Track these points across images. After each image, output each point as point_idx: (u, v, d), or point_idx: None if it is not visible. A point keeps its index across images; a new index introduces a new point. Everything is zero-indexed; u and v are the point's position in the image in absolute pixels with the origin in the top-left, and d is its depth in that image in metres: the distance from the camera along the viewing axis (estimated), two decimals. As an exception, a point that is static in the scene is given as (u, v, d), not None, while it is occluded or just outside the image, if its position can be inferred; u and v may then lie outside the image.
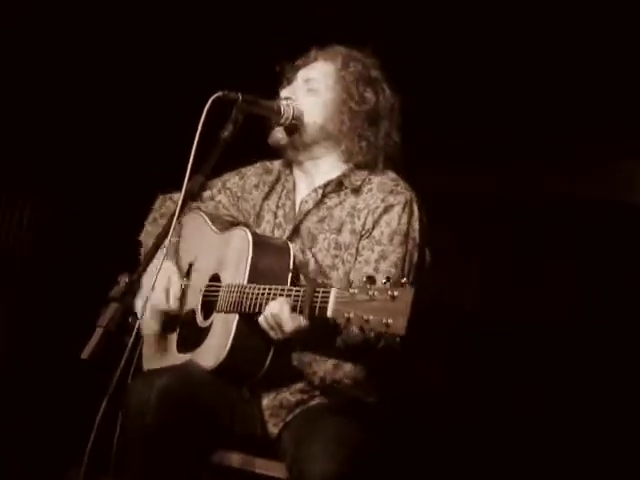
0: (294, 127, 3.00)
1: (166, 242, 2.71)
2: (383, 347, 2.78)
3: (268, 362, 2.81)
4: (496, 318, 4.29)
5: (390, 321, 2.35)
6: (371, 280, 2.42)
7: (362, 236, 2.93)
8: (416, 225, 2.94)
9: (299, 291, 2.63)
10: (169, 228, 2.70)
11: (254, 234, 2.90)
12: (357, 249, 2.91)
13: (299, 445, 2.72)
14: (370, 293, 2.39)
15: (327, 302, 2.47)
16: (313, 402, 2.92)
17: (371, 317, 2.37)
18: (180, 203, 2.71)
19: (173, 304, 3.02)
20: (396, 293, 2.36)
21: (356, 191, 2.98)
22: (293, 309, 2.62)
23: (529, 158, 4.31)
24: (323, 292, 2.52)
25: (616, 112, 4.06)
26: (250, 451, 2.90)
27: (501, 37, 4.12)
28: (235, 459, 2.90)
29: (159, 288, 2.98)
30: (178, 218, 2.72)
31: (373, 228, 2.91)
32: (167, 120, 4.24)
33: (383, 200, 2.93)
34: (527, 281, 4.32)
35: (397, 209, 2.92)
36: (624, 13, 3.95)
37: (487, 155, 4.33)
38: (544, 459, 4.12)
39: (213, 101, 2.75)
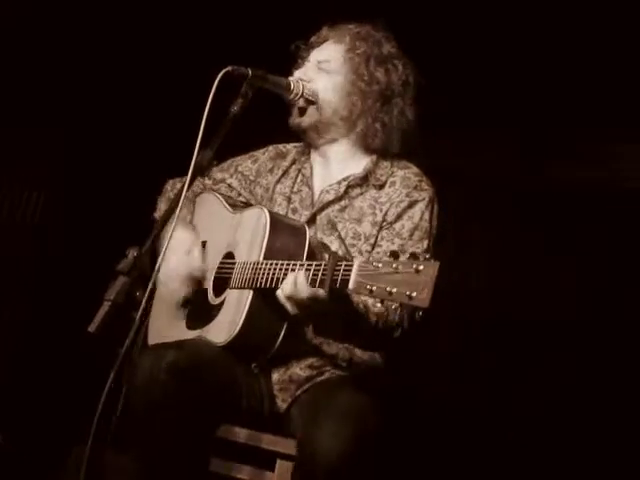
0: (309, 107, 3.01)
1: (175, 214, 2.71)
2: (403, 321, 2.73)
3: (280, 340, 2.80)
4: (499, 310, 4.27)
5: (414, 294, 2.32)
6: (395, 255, 2.40)
7: (382, 227, 2.94)
8: (435, 222, 2.97)
9: (319, 265, 2.60)
10: (178, 201, 2.69)
11: (271, 213, 2.90)
12: (376, 239, 2.93)
13: (309, 423, 2.70)
14: (394, 266, 2.36)
15: (349, 275, 2.45)
16: (323, 377, 2.91)
17: (395, 289, 2.34)
18: (189, 176, 2.71)
19: (196, 266, 3.00)
20: (421, 267, 2.33)
21: (380, 186, 3.00)
22: (313, 282, 2.59)
23: (531, 148, 4.32)
24: (346, 265, 2.49)
25: (617, 102, 4.06)
26: (257, 427, 2.90)
27: (514, 25, 4.12)
28: (242, 434, 2.90)
29: (181, 251, 2.99)
30: (187, 190, 2.71)
31: (395, 221, 2.93)
32: (176, 99, 4.24)
33: (408, 195, 2.95)
34: (530, 274, 4.30)
35: (421, 205, 2.94)
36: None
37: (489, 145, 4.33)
38: (547, 453, 4.10)
39: (223, 75, 2.74)
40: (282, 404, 2.90)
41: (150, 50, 4.49)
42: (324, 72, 3.04)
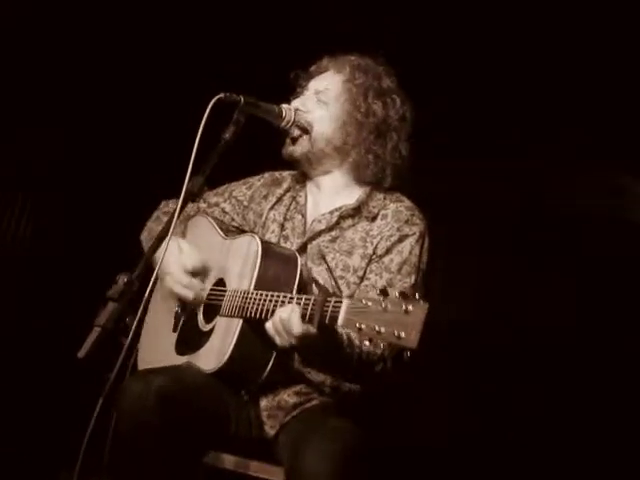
0: (302, 137, 3.02)
1: (166, 241, 2.71)
2: (391, 361, 2.80)
3: (268, 369, 2.82)
4: (491, 329, 4.26)
5: (403, 334, 2.33)
6: (385, 293, 2.40)
7: (371, 260, 2.94)
8: (425, 257, 2.98)
9: (309, 299, 2.61)
10: (170, 226, 2.70)
11: (263, 242, 2.91)
12: (365, 271, 2.93)
13: (297, 446, 2.71)
14: (383, 305, 2.37)
15: (338, 311, 2.45)
16: (310, 404, 2.92)
17: (383, 329, 2.35)
18: (180, 203, 2.71)
19: (195, 257, 3.01)
20: (410, 307, 2.34)
21: (372, 218, 3.00)
22: (302, 317, 2.60)
23: (529, 168, 4.30)
24: (335, 301, 2.49)
25: (618, 129, 4.04)
26: (245, 453, 2.90)
27: (511, 40, 4.09)
28: (230, 461, 2.91)
29: (175, 255, 2.98)
30: (178, 217, 2.72)
31: (385, 255, 2.93)
32: (170, 121, 4.22)
33: (399, 229, 2.96)
34: (526, 293, 4.28)
35: (411, 240, 2.94)
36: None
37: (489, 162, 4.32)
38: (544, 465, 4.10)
39: (215, 102, 2.75)
40: (270, 430, 2.91)
41: (143, 75, 4.48)
42: (322, 102, 3.05)
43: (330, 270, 2.92)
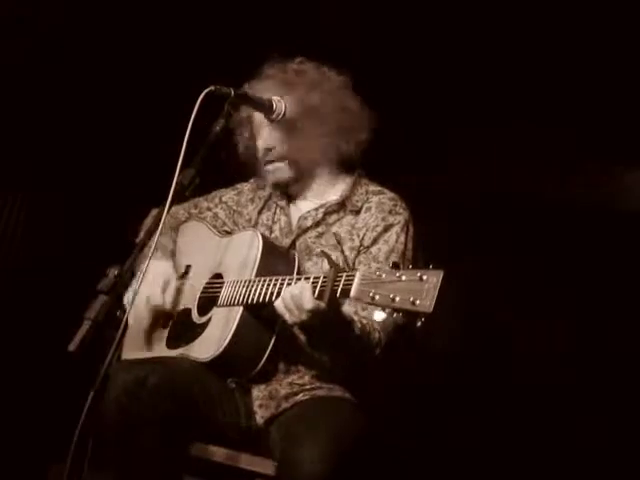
0: (281, 165, 3.02)
1: (155, 237, 2.69)
2: (382, 340, 2.81)
3: (266, 356, 2.82)
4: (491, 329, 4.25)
5: (418, 301, 2.34)
6: (396, 266, 2.43)
7: (359, 252, 2.96)
8: (410, 245, 3.00)
9: (318, 277, 2.62)
10: (159, 222, 2.69)
11: (264, 235, 2.94)
12: (353, 263, 2.95)
13: (289, 445, 2.71)
14: (397, 275, 2.40)
15: (351, 284, 2.47)
16: (302, 397, 2.92)
17: (398, 297, 2.37)
18: (170, 196, 2.70)
19: (168, 301, 3.03)
20: (425, 276, 2.36)
21: (356, 212, 3.02)
22: (312, 293, 2.61)
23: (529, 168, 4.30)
24: (347, 275, 2.52)
25: (615, 121, 4.03)
26: (232, 442, 2.90)
27: (510, 40, 4.10)
28: (220, 453, 2.90)
29: (156, 284, 3.00)
30: (167, 217, 2.69)
31: (372, 245, 2.96)
32: (160, 116, 4.23)
33: (383, 219, 2.99)
34: (526, 292, 4.27)
35: (396, 228, 2.98)
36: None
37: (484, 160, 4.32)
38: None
39: (205, 95, 2.74)
40: (260, 420, 2.91)
41: (134, 70, 4.48)
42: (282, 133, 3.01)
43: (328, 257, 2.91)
